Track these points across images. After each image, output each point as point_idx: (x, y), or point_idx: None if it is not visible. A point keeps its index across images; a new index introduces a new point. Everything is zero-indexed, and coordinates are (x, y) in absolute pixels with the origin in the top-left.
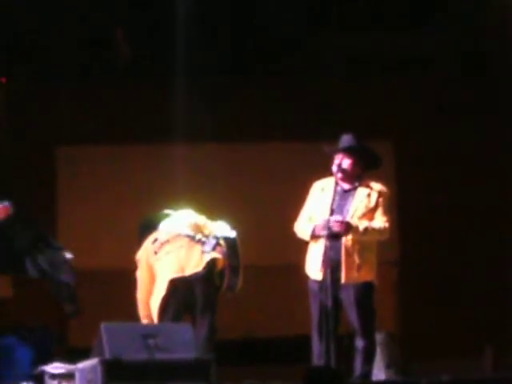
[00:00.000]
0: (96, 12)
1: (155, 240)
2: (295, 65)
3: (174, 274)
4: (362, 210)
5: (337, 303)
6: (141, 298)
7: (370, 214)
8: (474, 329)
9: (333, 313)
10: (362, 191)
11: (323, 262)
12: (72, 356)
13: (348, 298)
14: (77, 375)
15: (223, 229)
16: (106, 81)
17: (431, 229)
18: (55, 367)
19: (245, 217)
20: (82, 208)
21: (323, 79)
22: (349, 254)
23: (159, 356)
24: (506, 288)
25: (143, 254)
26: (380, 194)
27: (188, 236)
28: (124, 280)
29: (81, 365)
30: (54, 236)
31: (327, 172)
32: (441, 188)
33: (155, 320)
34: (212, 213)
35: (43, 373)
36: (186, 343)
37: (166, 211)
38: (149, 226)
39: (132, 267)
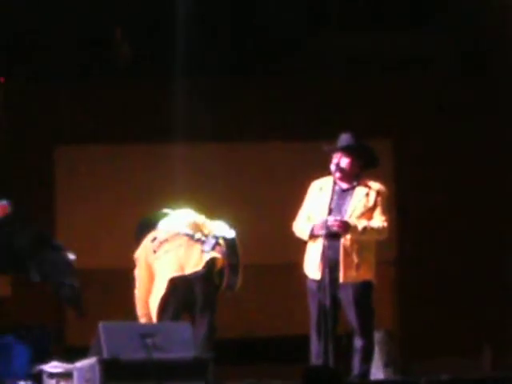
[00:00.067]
0: (96, 12)
1: (154, 239)
2: (295, 65)
3: (174, 272)
4: (360, 209)
5: (335, 303)
6: (139, 296)
7: (368, 213)
8: (473, 328)
9: (331, 312)
10: (360, 190)
11: (321, 261)
12: (70, 355)
13: (346, 298)
14: (75, 374)
15: (222, 228)
16: (105, 81)
17: (430, 228)
18: (53, 366)
19: (244, 216)
20: (82, 208)
21: (323, 79)
22: (347, 254)
23: (157, 355)
24: (506, 288)
25: (142, 252)
26: (378, 193)
27: (187, 235)
28: (122, 279)
29: (79, 364)
30: (53, 236)
31: (327, 171)
32: (440, 188)
33: (154, 319)
34: (211, 212)
35: (41, 372)
36: (184, 342)
37: (165, 210)
38: (147, 225)
39: (130, 267)
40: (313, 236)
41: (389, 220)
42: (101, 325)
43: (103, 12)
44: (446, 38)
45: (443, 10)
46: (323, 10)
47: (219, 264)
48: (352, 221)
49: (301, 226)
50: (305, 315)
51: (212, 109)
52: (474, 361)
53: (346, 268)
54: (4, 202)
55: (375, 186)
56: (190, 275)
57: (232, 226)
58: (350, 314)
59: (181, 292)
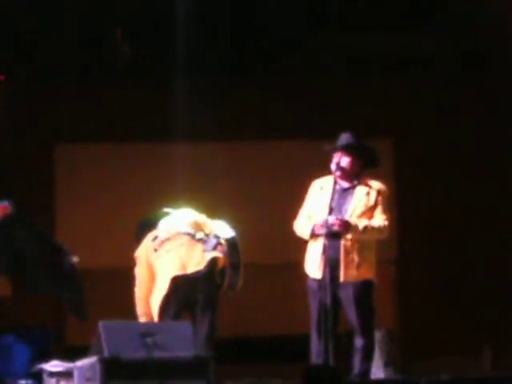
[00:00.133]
0: (96, 12)
1: (155, 238)
2: (295, 65)
3: (176, 271)
4: (361, 208)
5: (336, 302)
6: (139, 295)
7: (369, 212)
8: (474, 328)
9: (332, 311)
10: (361, 190)
11: (322, 260)
12: (70, 354)
13: (347, 297)
14: (75, 373)
15: (223, 228)
16: (106, 80)
17: (431, 228)
18: (54, 365)
19: (245, 215)
20: (82, 207)
21: (323, 79)
22: (348, 253)
23: (158, 354)
24: (506, 288)
25: (142, 251)
26: (379, 192)
27: (188, 234)
28: (122, 279)
29: (79, 363)
30: (54, 235)
31: (327, 171)
32: (440, 188)
33: (155, 318)
34: (212, 212)
35: (42, 371)
36: (184, 341)
37: (166, 210)
38: (148, 225)
39: (131, 266)
40: (313, 235)
41: (389, 219)
42: (101, 324)
43: (103, 12)
44: (446, 38)
45: (443, 10)
46: (323, 10)
47: (221, 263)
48: (353, 220)
49: (301, 226)
50: (305, 314)
51: (212, 109)
52: (475, 360)
53: (347, 267)
54: (5, 203)
55: (376, 185)
56: (192, 274)
57: (232, 225)
58: (351, 313)
59: (182, 291)
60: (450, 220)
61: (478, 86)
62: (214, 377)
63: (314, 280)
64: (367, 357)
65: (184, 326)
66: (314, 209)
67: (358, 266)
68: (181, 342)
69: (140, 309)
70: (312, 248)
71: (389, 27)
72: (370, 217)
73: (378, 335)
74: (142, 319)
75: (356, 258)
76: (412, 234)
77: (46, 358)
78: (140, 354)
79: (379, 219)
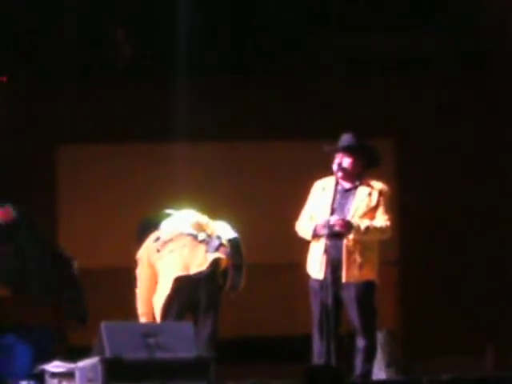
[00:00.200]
0: (96, 12)
1: (157, 238)
2: (295, 65)
3: (179, 272)
4: (363, 209)
5: (337, 302)
6: (140, 296)
7: (371, 212)
8: (475, 328)
9: (334, 312)
10: (362, 190)
11: (324, 261)
12: (72, 355)
13: (349, 297)
14: (77, 374)
15: (225, 229)
16: (106, 80)
17: (432, 228)
18: (55, 366)
19: (246, 215)
20: (83, 207)
21: (323, 79)
22: (350, 253)
23: (159, 355)
24: (507, 287)
25: (144, 252)
26: (381, 192)
27: (191, 235)
28: (124, 279)
29: (81, 363)
30: (55, 235)
31: (328, 171)
32: (440, 188)
33: (158, 318)
34: (213, 212)
35: (43, 371)
36: (186, 342)
37: (167, 211)
38: (150, 226)
39: (132, 266)
40: (315, 236)
41: (392, 219)
42: (103, 324)
43: (103, 12)
44: (446, 38)
45: (443, 10)
46: (323, 10)
47: (223, 264)
48: (355, 220)
49: (303, 226)
50: (307, 315)
51: (212, 109)
52: (477, 360)
53: (349, 268)
54: (7, 207)
55: (378, 185)
56: (195, 275)
57: (233, 225)
58: (353, 314)
59: (185, 292)
60: (449, 220)
61: (478, 86)
62: (216, 377)
63: (316, 280)
64: (369, 357)
65: (186, 327)
66: (316, 209)
67: (361, 267)
68: (182, 343)
69: (141, 309)
70: (314, 249)
71: (389, 27)
72: (372, 217)
73: (379, 336)
74: (143, 319)
75: (358, 259)
76: (414, 234)
77: (48, 358)
78: (142, 355)
79: (381, 219)
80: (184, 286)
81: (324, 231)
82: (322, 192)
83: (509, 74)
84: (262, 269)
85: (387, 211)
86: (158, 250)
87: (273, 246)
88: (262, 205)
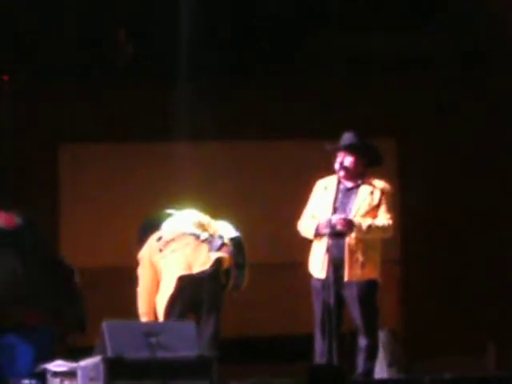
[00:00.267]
0: (96, 12)
1: (159, 238)
2: (295, 65)
3: (182, 271)
4: (365, 207)
5: (339, 301)
6: (141, 295)
7: (373, 211)
8: (477, 328)
9: (335, 311)
10: (364, 189)
11: (326, 260)
12: (74, 354)
13: (351, 296)
14: (79, 373)
15: (227, 228)
16: (107, 80)
17: (432, 227)
18: (57, 365)
19: (247, 215)
20: (84, 207)
21: (323, 79)
22: (352, 252)
23: (161, 354)
24: (509, 287)
25: (146, 251)
26: (383, 191)
27: (193, 234)
28: (126, 278)
29: (83, 363)
30: (56, 235)
31: (329, 170)
32: (440, 188)
33: (161, 317)
34: (215, 211)
35: (45, 371)
36: (188, 341)
37: (169, 211)
38: (151, 226)
39: (134, 265)
40: (317, 235)
41: (394, 218)
42: (105, 324)
43: (103, 12)
44: (446, 37)
45: (443, 10)
46: (323, 10)
47: (226, 263)
48: (356, 219)
49: (305, 225)
50: (309, 314)
51: (212, 109)
52: (477, 360)
53: (351, 267)
54: (12, 213)
55: (379, 184)
56: (198, 274)
57: (235, 225)
58: (355, 312)
59: (188, 291)
60: (449, 220)
61: (478, 86)
62: (218, 377)
63: (318, 280)
64: (371, 356)
65: (188, 326)
66: (318, 208)
67: (363, 266)
68: (184, 342)
69: (142, 309)
70: (316, 248)
71: (389, 27)
72: (374, 216)
73: (381, 335)
74: (144, 319)
75: (360, 258)
76: (413, 234)
77: (50, 357)
78: (143, 354)
79: (383, 218)
80: (187, 285)
81: (326, 230)
82: (324, 191)
83: (509, 74)
84: (264, 268)
85: (389, 210)
86: (161, 250)
87: (274, 245)
88: (263, 204)
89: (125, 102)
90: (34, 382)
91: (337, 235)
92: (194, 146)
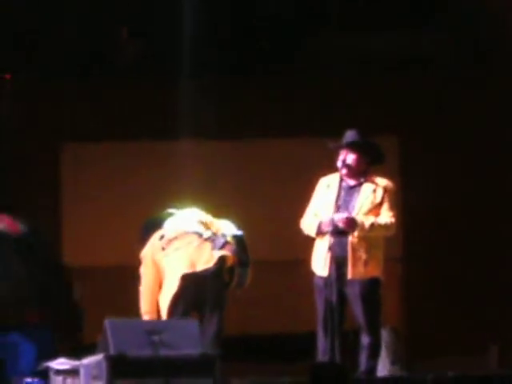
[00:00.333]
0: (96, 12)
1: (162, 236)
2: (295, 65)
3: (186, 269)
4: (367, 206)
5: (342, 299)
6: (144, 294)
7: (375, 209)
8: (479, 326)
9: (338, 309)
10: (367, 187)
11: (329, 258)
12: (77, 352)
13: (354, 294)
14: (81, 371)
15: (229, 227)
16: (108, 80)
17: (432, 227)
18: (60, 363)
19: (250, 213)
20: (86, 206)
21: (323, 79)
22: (355, 250)
23: (164, 352)
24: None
25: (148, 250)
26: (386, 189)
27: (196, 233)
28: (128, 277)
29: (86, 361)
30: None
31: (330, 168)
32: (440, 188)
33: (164, 316)
34: (216, 209)
35: (48, 369)
36: (190, 339)
37: (170, 210)
38: (153, 225)
39: (136, 264)
40: (320, 233)
41: (396, 216)
42: (107, 321)
43: (103, 12)
44: (446, 38)
45: (443, 10)
46: (323, 10)
47: (229, 262)
48: (359, 217)
49: (308, 223)
50: (311, 312)
51: (212, 108)
52: (479, 360)
53: (354, 265)
54: (17, 221)
55: (382, 182)
56: (201, 272)
57: (238, 223)
58: (357, 311)
59: (191, 290)
60: (449, 220)
61: (478, 86)
62: (221, 375)
63: (321, 278)
64: (373, 354)
65: (190, 324)
66: (321, 206)
67: (366, 264)
68: (187, 340)
69: (144, 308)
70: (319, 246)
71: (389, 27)
72: (377, 214)
73: (384, 333)
74: (146, 318)
75: (363, 256)
76: (413, 234)
77: (52, 356)
78: (146, 352)
79: (386, 216)
80: (190, 283)
81: (328, 228)
82: (326, 189)
83: (509, 74)
84: (266, 266)
85: (392, 208)
86: (163, 248)
87: (275, 243)
88: (264, 202)
89: (125, 102)
90: (36, 380)
91: (339, 233)
92: (195, 145)
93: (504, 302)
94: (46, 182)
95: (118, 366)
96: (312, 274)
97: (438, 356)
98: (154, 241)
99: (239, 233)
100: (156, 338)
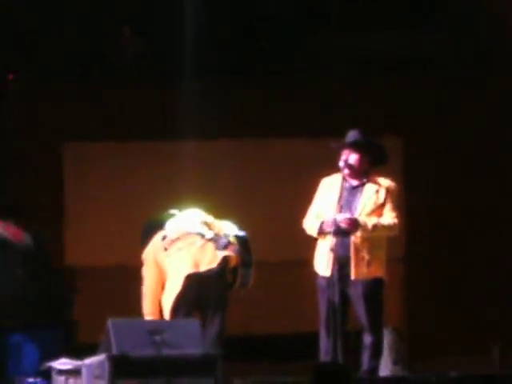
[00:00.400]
0: (96, 12)
1: (164, 237)
2: (295, 65)
3: (189, 269)
4: (370, 206)
5: (344, 299)
6: (146, 295)
7: (378, 210)
8: (478, 327)
9: (340, 309)
10: (370, 187)
11: (331, 258)
12: (79, 352)
13: (356, 294)
14: (84, 371)
15: (231, 227)
16: (109, 80)
17: (432, 228)
18: (62, 363)
19: (251, 213)
20: (87, 206)
21: (323, 79)
22: (358, 251)
23: (166, 352)
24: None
25: (151, 251)
26: (388, 189)
27: (198, 233)
28: (131, 277)
29: (88, 361)
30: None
31: (332, 168)
32: (440, 188)
33: (167, 316)
34: (218, 210)
35: (50, 369)
36: (192, 339)
37: (172, 211)
38: (154, 226)
39: (139, 264)
40: (322, 233)
41: (399, 216)
42: (110, 321)
43: (103, 12)
44: (446, 38)
45: (443, 10)
46: (323, 10)
47: (233, 262)
48: (362, 218)
49: (310, 223)
50: (314, 312)
51: (213, 108)
52: (479, 360)
53: (357, 265)
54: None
55: (385, 182)
56: (205, 272)
57: (240, 224)
58: (360, 311)
59: (195, 290)
60: (450, 220)
61: (478, 86)
62: (222, 374)
63: (323, 278)
64: (376, 354)
65: (192, 324)
66: (323, 207)
67: (369, 264)
68: (189, 340)
69: (146, 308)
70: (321, 246)
71: (389, 27)
72: (380, 214)
73: (386, 333)
74: (148, 318)
75: (366, 256)
76: (413, 234)
77: (55, 356)
78: (148, 352)
79: (389, 217)
80: (194, 283)
81: (330, 229)
82: (328, 189)
83: (509, 74)
84: (269, 266)
85: (395, 208)
86: (166, 249)
87: (277, 243)
88: (264, 202)
89: (125, 102)
90: (39, 380)
91: (342, 233)
92: (195, 145)
93: (504, 301)
94: (46, 183)
95: (120, 365)
96: (314, 274)
97: (438, 356)
98: (156, 241)
99: (242, 233)
100: (158, 337)
